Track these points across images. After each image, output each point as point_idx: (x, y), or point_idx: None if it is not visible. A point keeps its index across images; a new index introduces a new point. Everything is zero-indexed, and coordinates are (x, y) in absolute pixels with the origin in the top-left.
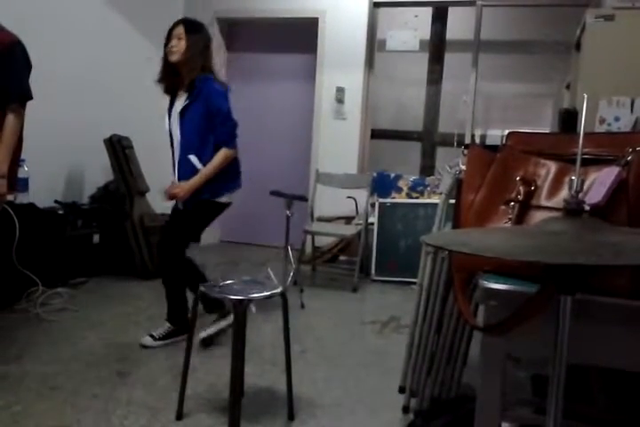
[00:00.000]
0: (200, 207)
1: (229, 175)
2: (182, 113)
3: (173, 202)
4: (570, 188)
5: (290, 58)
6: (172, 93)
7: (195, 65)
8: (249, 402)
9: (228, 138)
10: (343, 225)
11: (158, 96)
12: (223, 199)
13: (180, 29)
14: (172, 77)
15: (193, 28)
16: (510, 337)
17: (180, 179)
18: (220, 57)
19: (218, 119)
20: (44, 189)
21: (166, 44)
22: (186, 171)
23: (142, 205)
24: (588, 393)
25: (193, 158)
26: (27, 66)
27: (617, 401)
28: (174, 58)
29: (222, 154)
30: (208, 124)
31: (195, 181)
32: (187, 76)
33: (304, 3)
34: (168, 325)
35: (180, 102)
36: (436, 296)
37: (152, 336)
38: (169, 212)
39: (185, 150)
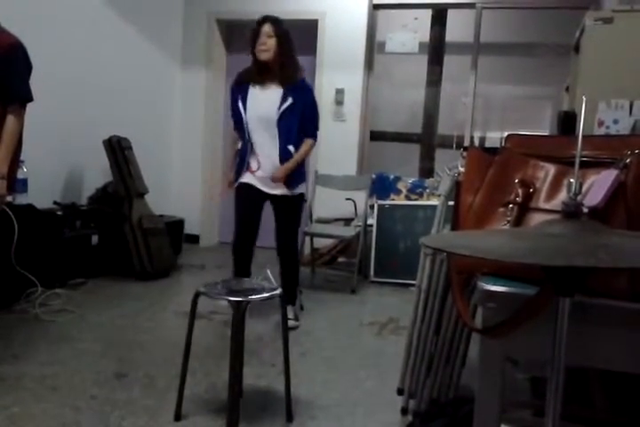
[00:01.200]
0: (300, 196)
1: (304, 168)
2: (287, 110)
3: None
4: (568, 190)
5: None
6: (242, 83)
7: (290, 61)
8: (247, 403)
9: (315, 131)
10: (342, 227)
11: (158, 97)
12: (302, 190)
13: (268, 27)
14: (257, 71)
15: (278, 24)
16: (509, 339)
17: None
18: (220, 58)
19: (309, 114)
20: (42, 190)
21: (254, 43)
22: (287, 159)
23: (141, 207)
24: (587, 395)
25: (292, 149)
26: (27, 67)
27: (616, 403)
28: (265, 56)
29: (309, 143)
30: (302, 119)
31: (289, 165)
32: (282, 72)
33: (304, 4)
34: (293, 306)
35: (275, 96)
36: (435, 298)
37: (291, 319)
38: (168, 213)
39: (286, 142)
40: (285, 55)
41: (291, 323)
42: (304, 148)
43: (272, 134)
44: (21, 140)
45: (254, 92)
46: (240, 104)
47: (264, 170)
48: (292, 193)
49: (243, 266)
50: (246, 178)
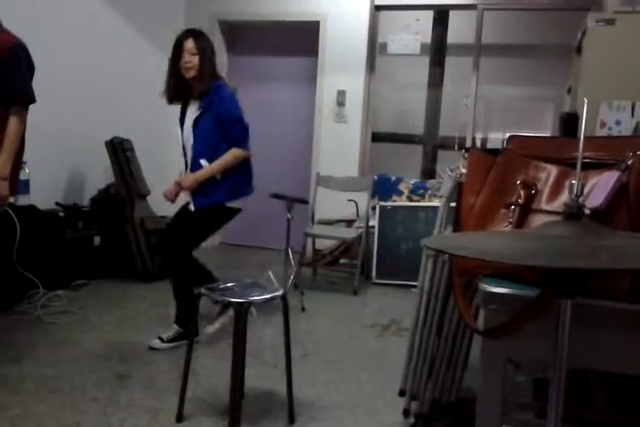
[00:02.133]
0: (211, 211)
1: (242, 179)
2: (196, 121)
3: (177, 204)
4: (570, 192)
5: (291, 61)
6: (182, 102)
7: (206, 76)
8: (249, 405)
9: (238, 139)
10: (344, 228)
11: (159, 99)
12: (235, 204)
13: (191, 44)
14: (180, 89)
15: (200, 38)
16: (510, 341)
17: None
18: (221, 60)
19: (229, 123)
20: (45, 191)
21: (176, 59)
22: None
23: (143, 208)
24: (589, 397)
25: (204, 163)
26: (29, 68)
27: (617, 405)
28: (191, 74)
29: (231, 152)
30: (220, 129)
31: (201, 173)
32: (199, 86)
33: (305, 6)
34: (177, 327)
35: (193, 111)
36: (437, 299)
37: (161, 339)
38: (170, 214)
39: (197, 155)
40: (206, 70)
41: (155, 343)
42: (222, 158)
43: (190, 150)
44: (23, 141)
45: (188, 114)
46: (178, 129)
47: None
48: (195, 208)
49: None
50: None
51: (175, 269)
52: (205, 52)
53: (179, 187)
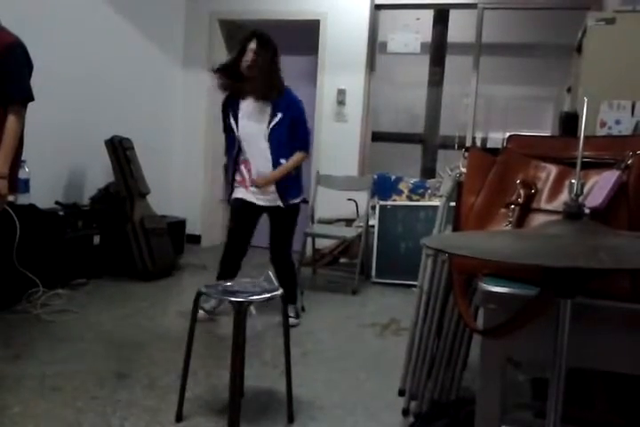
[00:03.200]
0: (298, 205)
1: (301, 178)
2: (277, 124)
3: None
4: (570, 191)
5: (291, 60)
6: (232, 97)
7: (275, 78)
8: (248, 404)
9: (306, 144)
10: (344, 227)
11: (159, 98)
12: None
13: (254, 44)
14: (237, 84)
15: (265, 41)
16: (510, 340)
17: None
18: (221, 59)
19: (299, 127)
20: (44, 190)
21: (239, 57)
22: None
23: (143, 207)
24: (588, 397)
25: (284, 162)
26: (28, 67)
27: (616, 405)
28: (252, 73)
29: (300, 155)
30: (292, 131)
31: (275, 173)
32: (269, 89)
33: (305, 5)
34: (294, 305)
35: (264, 111)
36: (437, 299)
37: (291, 317)
38: (169, 213)
39: (278, 156)
40: (271, 71)
41: (291, 321)
42: (293, 159)
43: (263, 148)
44: (22, 139)
45: (244, 108)
46: (232, 119)
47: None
48: (285, 205)
49: (228, 277)
50: (240, 193)
51: (284, 260)
52: (266, 53)
53: (258, 183)
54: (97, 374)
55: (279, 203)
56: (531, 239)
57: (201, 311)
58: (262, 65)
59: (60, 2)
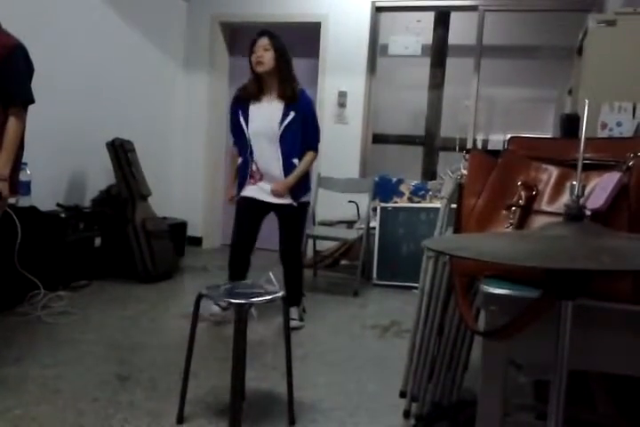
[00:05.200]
0: (306, 204)
1: (310, 176)
2: (289, 123)
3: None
4: (571, 193)
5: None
6: (245, 98)
7: (289, 77)
8: (250, 406)
9: (317, 144)
10: (345, 229)
11: (161, 100)
12: (310, 199)
13: (265, 40)
14: (256, 85)
15: (276, 38)
16: (511, 342)
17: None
18: (223, 61)
19: (311, 127)
20: (46, 192)
21: (250, 55)
22: (291, 171)
23: (144, 209)
24: (590, 398)
25: (296, 162)
26: (29, 69)
27: (618, 406)
28: (261, 68)
29: (312, 156)
30: (304, 131)
31: (291, 178)
32: (283, 87)
33: (306, 7)
34: (296, 308)
35: (273, 110)
36: (438, 301)
37: (295, 320)
38: (171, 216)
39: (290, 156)
40: (283, 69)
41: (294, 323)
42: (305, 160)
43: (274, 148)
44: (23, 142)
45: (255, 107)
46: (241, 118)
47: (267, 181)
48: (296, 202)
49: (239, 276)
50: (248, 191)
51: (294, 257)
52: (281, 51)
53: (276, 193)
54: (98, 376)
55: (290, 200)
56: (532, 241)
57: (215, 307)
58: (276, 62)
59: (61, 5)
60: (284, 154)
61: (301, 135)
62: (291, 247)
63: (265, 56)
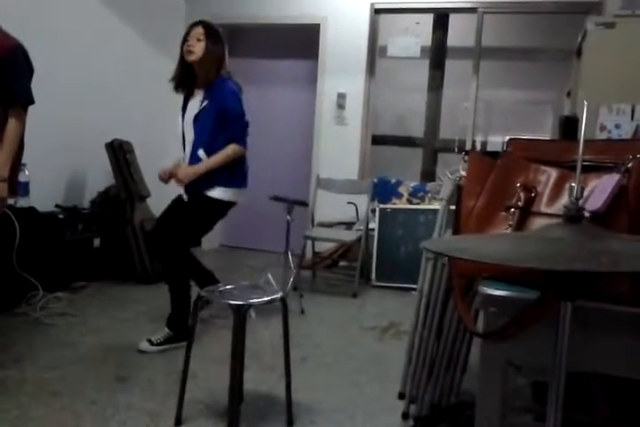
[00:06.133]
0: (204, 203)
1: (235, 174)
2: (199, 112)
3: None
4: (570, 194)
5: (291, 64)
6: (186, 92)
7: (212, 66)
8: (248, 408)
9: (239, 135)
10: (343, 231)
11: (159, 101)
12: (228, 197)
13: (199, 30)
14: (186, 76)
15: (211, 30)
16: (510, 344)
17: None
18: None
19: (230, 117)
20: (44, 193)
21: (183, 44)
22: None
23: (143, 210)
24: (588, 400)
25: (201, 153)
26: (28, 70)
27: (616, 409)
28: (192, 57)
29: (230, 148)
30: (220, 122)
31: (198, 167)
32: (204, 76)
33: (305, 9)
34: (167, 330)
35: (196, 101)
36: (436, 302)
37: (150, 341)
38: None
39: (196, 146)
40: (209, 57)
41: (143, 346)
42: (222, 152)
43: (189, 140)
44: (23, 142)
45: (189, 102)
46: (180, 115)
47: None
48: (196, 195)
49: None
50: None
51: (169, 265)
52: (211, 40)
53: (174, 177)
54: (96, 378)
55: (184, 196)
56: (531, 242)
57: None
58: (205, 51)
59: (60, 5)
60: (193, 144)
61: (217, 126)
62: (159, 239)
63: (197, 46)
